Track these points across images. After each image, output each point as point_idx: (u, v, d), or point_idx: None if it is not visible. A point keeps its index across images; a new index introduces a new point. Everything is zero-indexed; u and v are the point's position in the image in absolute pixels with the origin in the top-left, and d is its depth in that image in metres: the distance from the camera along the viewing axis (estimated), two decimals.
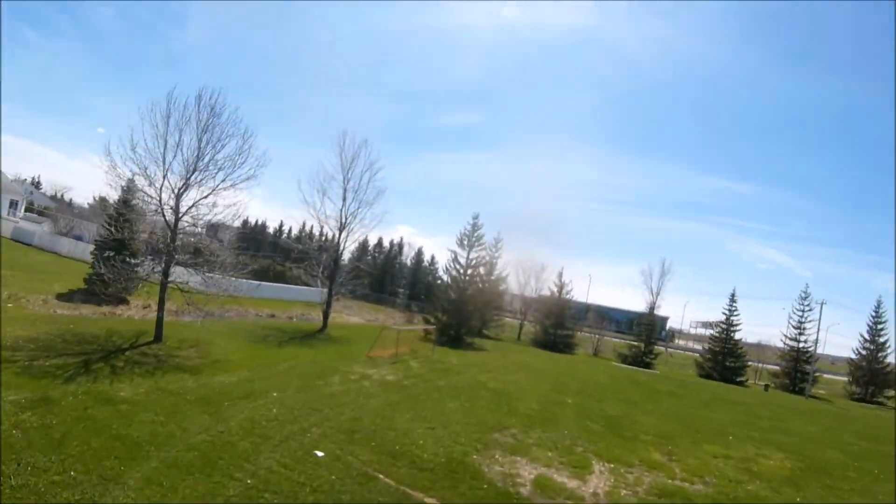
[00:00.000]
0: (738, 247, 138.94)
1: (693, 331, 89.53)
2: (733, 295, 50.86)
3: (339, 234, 35.77)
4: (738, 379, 48.45)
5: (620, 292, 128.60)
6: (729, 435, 18.67)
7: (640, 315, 60.83)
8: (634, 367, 45.28)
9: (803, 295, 50.00)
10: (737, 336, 51.17)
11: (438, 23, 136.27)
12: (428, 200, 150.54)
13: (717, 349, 50.65)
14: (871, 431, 24.93)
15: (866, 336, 50.54)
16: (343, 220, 35.01)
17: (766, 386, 47.60)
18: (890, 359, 49.21)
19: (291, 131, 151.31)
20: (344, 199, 34.77)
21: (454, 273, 45.53)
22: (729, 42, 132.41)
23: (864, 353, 50.26)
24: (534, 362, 35.49)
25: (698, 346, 68.75)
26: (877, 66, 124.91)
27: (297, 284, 46.39)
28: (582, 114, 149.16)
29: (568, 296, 55.47)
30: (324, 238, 48.44)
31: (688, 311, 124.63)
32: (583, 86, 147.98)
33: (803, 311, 50.06)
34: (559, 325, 53.31)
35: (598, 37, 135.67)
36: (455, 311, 43.14)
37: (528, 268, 61.86)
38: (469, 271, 45.05)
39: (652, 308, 56.00)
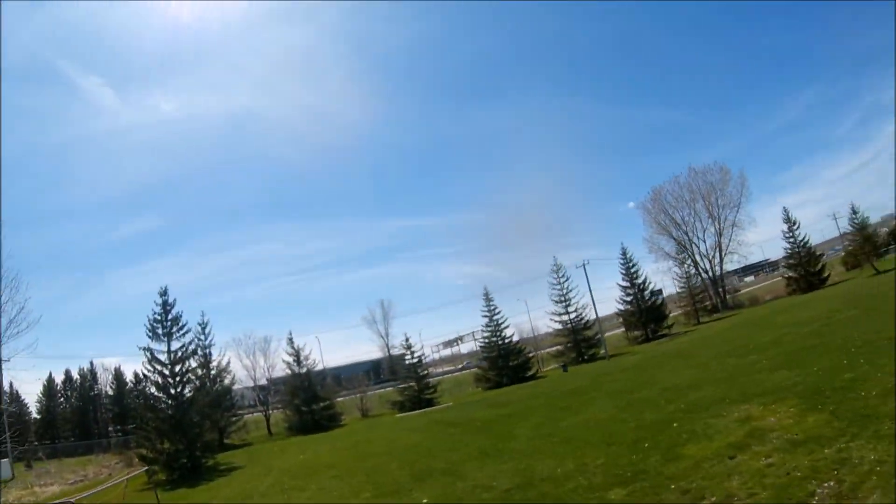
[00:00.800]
0: (436, 273, 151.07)
1: (437, 355, 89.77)
2: (488, 294, 46.68)
3: None
4: (528, 374, 44.18)
5: (358, 347, 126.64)
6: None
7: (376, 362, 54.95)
8: (425, 410, 36.82)
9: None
10: (508, 333, 47.03)
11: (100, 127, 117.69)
12: (123, 321, 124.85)
13: (494, 355, 45.58)
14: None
15: (624, 284, 52.22)
16: None
17: (564, 366, 44.25)
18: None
19: None
20: None
21: (157, 378, 30.00)
22: (361, 102, 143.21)
23: (628, 299, 51.78)
24: (316, 457, 23.65)
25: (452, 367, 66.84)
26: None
27: None
28: (260, 192, 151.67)
29: (307, 362, 42.97)
30: None
31: (426, 340, 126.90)
32: (253, 165, 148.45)
33: (560, 284, 48.86)
34: (312, 398, 41.03)
35: (261, 115, 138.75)
36: (175, 430, 27.80)
37: (249, 346, 48.05)
38: (178, 368, 30.13)
39: (388, 349, 49.56)
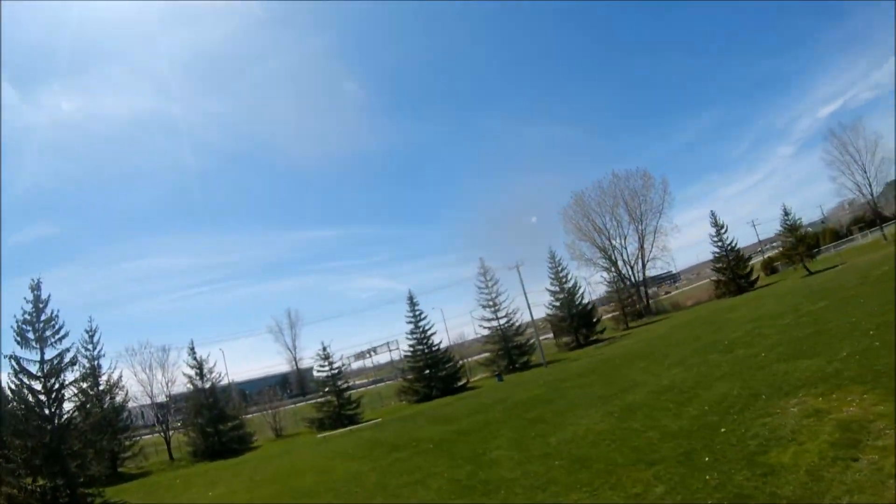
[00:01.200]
0: (343, 286, 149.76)
1: (352, 366, 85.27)
2: (413, 298, 43.23)
3: None
4: (459, 384, 41.39)
5: (265, 360, 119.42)
6: None
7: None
8: (350, 428, 32.24)
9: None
10: (436, 340, 43.71)
11: None
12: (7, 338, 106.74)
13: (420, 365, 42.15)
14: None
15: (553, 288, 51.00)
16: None
17: (499, 375, 41.75)
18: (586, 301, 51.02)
19: None
20: None
21: (28, 396, 23.02)
22: (280, 108, 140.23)
23: (557, 304, 50.56)
24: (230, 494, 18.60)
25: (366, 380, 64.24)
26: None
27: None
28: (162, 199, 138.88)
29: (212, 376, 36.71)
30: None
31: (336, 352, 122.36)
32: (156, 171, 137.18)
33: (489, 287, 46.56)
34: (219, 417, 34.96)
35: (163, 120, 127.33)
36: (51, 462, 21.24)
37: (145, 358, 40.42)
38: (54, 383, 23.34)
39: (296, 362, 45.46)
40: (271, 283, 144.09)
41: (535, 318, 49.64)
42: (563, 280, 50.54)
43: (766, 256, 62.08)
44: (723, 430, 10.38)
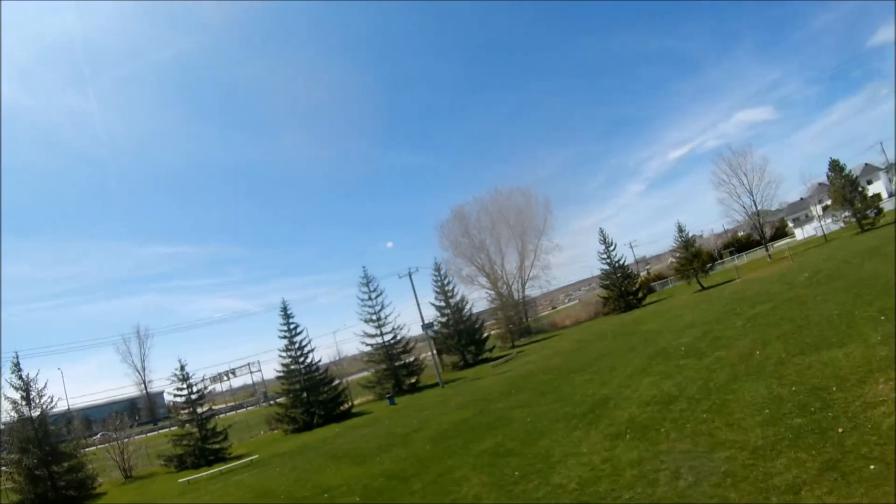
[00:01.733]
0: (192, 306, 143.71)
1: (208, 389, 76.54)
2: (286, 309, 36.84)
3: None
4: (342, 409, 35.40)
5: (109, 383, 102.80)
6: None
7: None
8: (219, 468, 25.03)
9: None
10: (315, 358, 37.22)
11: None
12: None
13: (297, 388, 35.18)
14: None
15: (439, 303, 47.65)
16: None
17: (391, 397, 36.43)
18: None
19: None
20: None
21: None
22: (142, 110, 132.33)
23: (443, 319, 47.29)
24: None
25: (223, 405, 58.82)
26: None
27: None
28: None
29: (43, 400, 26.84)
30: None
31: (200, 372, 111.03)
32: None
33: (372, 299, 41.44)
34: (51, 456, 25.08)
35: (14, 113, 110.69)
36: None
37: None
38: None
39: (145, 384, 39.29)
40: (116, 301, 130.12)
41: (415, 336, 45.87)
42: (450, 294, 47.48)
43: (643, 275, 65.88)
44: (840, 429, 7.49)
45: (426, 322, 42.00)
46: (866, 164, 69.59)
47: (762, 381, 11.44)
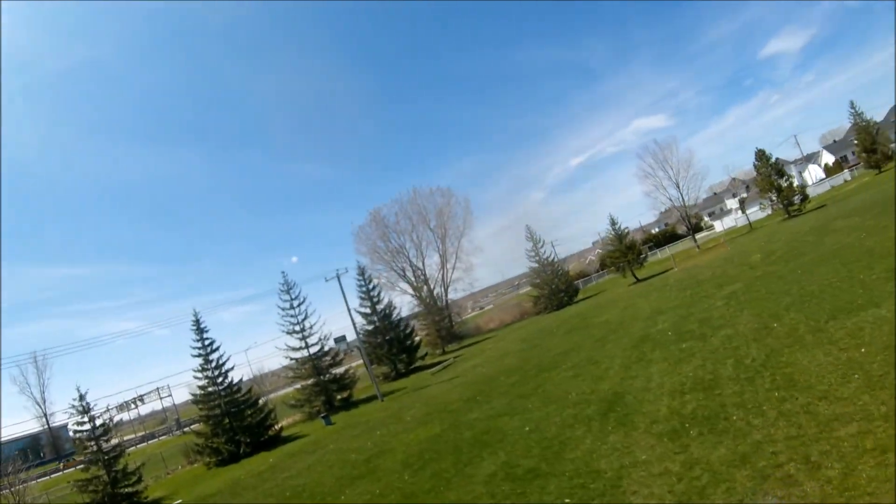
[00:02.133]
0: (95, 330, 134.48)
1: (114, 419, 68.37)
2: (199, 323, 31.23)
3: None
4: (270, 434, 30.78)
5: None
6: None
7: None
8: None
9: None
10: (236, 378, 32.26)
11: None
12: None
13: (218, 413, 30.19)
14: None
15: (365, 310, 44.16)
16: None
17: (326, 417, 32.12)
18: None
19: None
20: None
21: None
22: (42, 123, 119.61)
23: (370, 327, 43.80)
24: None
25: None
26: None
27: None
28: None
29: None
30: None
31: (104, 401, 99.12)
32: None
33: (293, 307, 37.33)
34: None
35: None
36: None
37: None
38: None
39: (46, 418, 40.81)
40: (12, 329, 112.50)
41: (341, 346, 42.04)
42: (376, 299, 44.20)
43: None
44: None
45: (352, 330, 38.48)
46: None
47: (815, 348, 10.15)
